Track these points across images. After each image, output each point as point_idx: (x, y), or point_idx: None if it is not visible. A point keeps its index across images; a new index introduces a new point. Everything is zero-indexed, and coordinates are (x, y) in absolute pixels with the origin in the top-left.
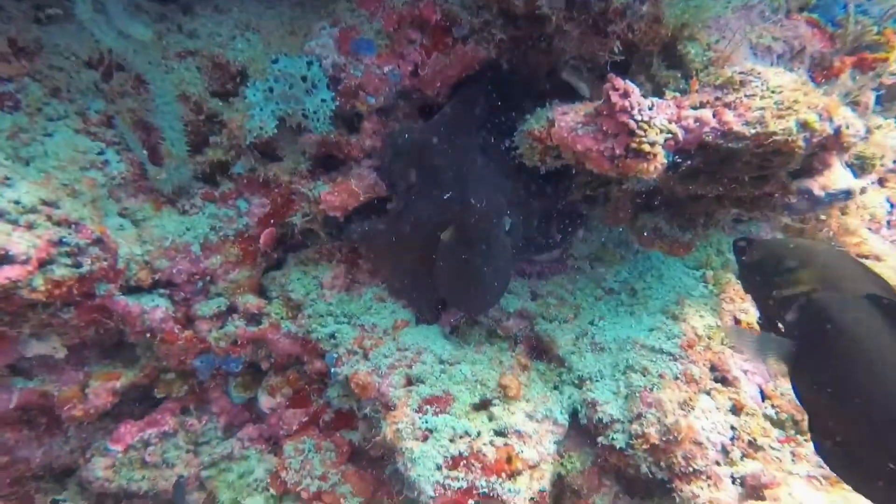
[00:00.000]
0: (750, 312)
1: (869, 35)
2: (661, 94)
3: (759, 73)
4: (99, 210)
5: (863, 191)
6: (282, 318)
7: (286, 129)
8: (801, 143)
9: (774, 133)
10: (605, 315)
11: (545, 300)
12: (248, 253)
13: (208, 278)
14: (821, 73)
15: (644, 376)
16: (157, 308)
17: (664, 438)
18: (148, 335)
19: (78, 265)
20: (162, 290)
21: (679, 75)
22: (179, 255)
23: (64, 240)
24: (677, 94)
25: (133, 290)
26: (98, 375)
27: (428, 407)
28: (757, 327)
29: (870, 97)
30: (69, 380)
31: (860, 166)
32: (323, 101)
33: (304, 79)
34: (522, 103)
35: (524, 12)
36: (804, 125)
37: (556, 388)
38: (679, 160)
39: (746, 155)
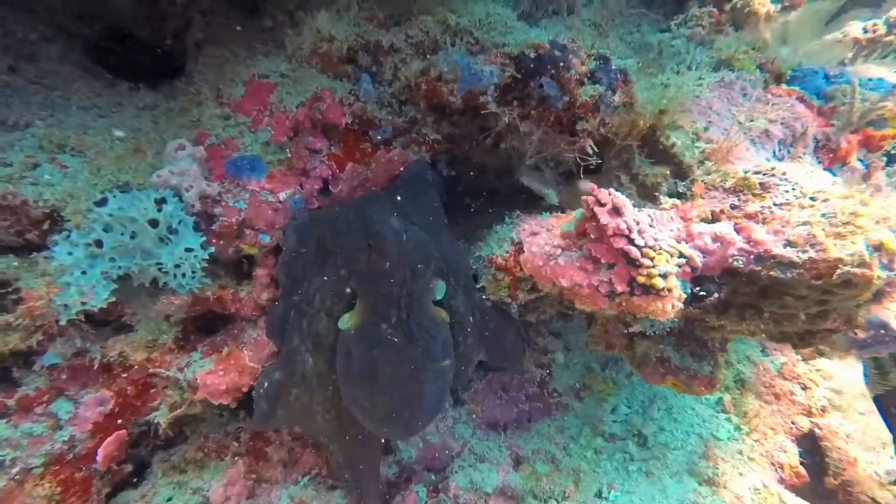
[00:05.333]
0: (789, 450)
1: (875, 112)
2: (651, 198)
3: (784, 174)
4: None
5: None
6: None
7: (133, 287)
8: (879, 272)
9: (840, 260)
10: (614, 480)
11: (532, 466)
12: (72, 485)
13: None
14: (827, 156)
15: None
16: None
17: None
18: None
19: None
20: None
21: (668, 172)
22: None
23: None
24: (676, 202)
25: None
26: None
27: None
28: (801, 469)
29: (881, 178)
30: None
31: None
32: (188, 250)
33: (153, 223)
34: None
35: (462, 107)
36: (879, 247)
37: None
38: (701, 292)
39: (801, 287)
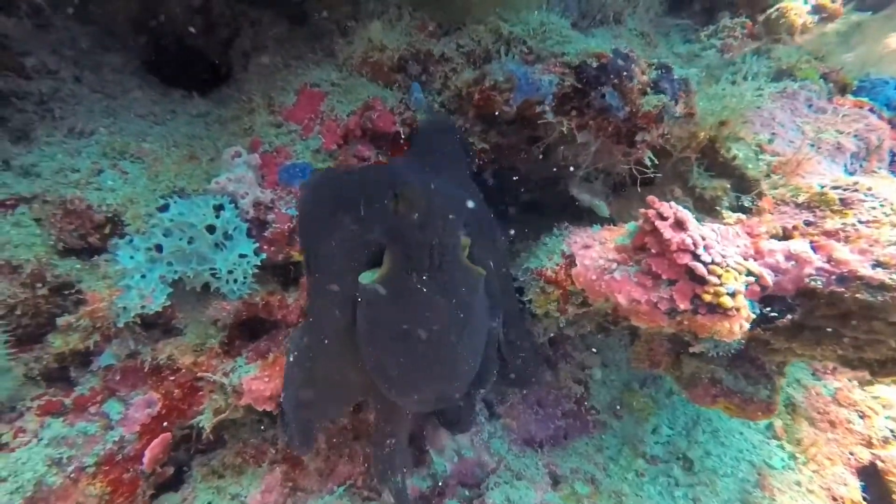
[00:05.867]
0: (850, 484)
1: None
2: (709, 212)
3: (869, 190)
4: None
5: None
6: None
7: (185, 291)
8: None
9: None
10: None
11: (571, 486)
12: (120, 486)
13: None
14: None
15: None
16: None
17: None
18: None
19: None
20: None
21: (728, 186)
22: None
23: None
24: (741, 216)
25: None
26: None
27: None
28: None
29: None
30: None
31: None
32: (242, 256)
33: (210, 229)
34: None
35: (513, 117)
36: None
37: None
38: (772, 312)
39: (894, 312)
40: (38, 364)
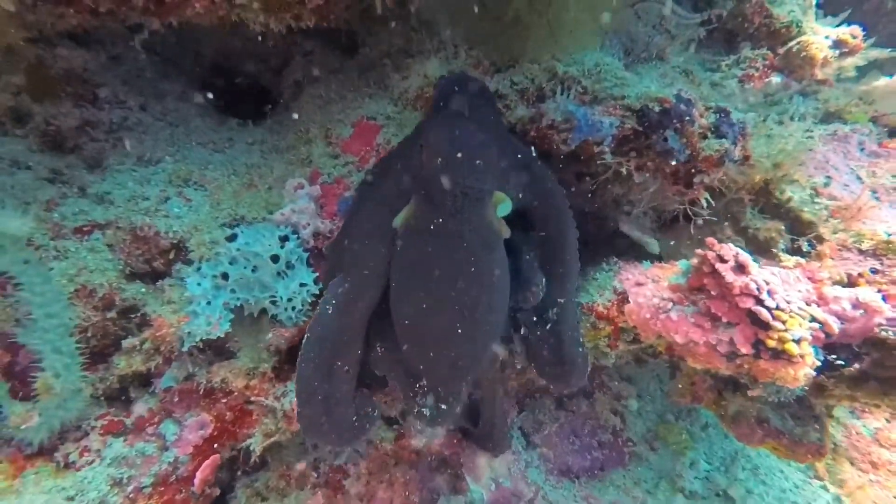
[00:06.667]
0: None
1: None
2: (763, 253)
3: None
4: None
5: None
6: None
7: (242, 315)
8: None
9: None
10: None
11: None
12: None
13: None
14: None
15: None
16: None
17: None
18: None
19: None
20: None
21: (782, 227)
22: None
23: None
24: (800, 260)
25: None
26: None
27: None
28: None
29: None
30: None
31: None
32: (302, 285)
33: (274, 258)
34: None
35: (569, 152)
36: None
37: None
38: (838, 360)
39: None
40: (103, 384)
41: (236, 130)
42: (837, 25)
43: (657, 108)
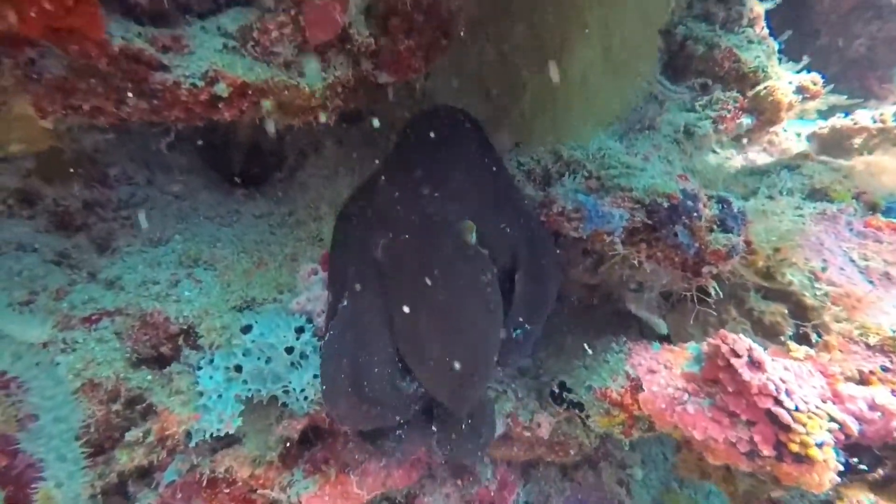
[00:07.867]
0: None
1: None
2: (771, 338)
3: None
4: None
5: None
6: None
7: (251, 403)
8: None
9: None
10: None
11: None
12: None
13: None
14: None
15: None
16: None
17: None
18: None
19: None
20: None
21: (786, 311)
22: None
23: None
24: (810, 352)
25: None
26: None
27: None
28: None
29: None
30: None
31: None
32: (316, 376)
33: (289, 350)
34: None
35: (575, 238)
36: None
37: None
38: (860, 465)
39: None
40: (102, 481)
41: (242, 202)
42: (798, 72)
43: (665, 204)
